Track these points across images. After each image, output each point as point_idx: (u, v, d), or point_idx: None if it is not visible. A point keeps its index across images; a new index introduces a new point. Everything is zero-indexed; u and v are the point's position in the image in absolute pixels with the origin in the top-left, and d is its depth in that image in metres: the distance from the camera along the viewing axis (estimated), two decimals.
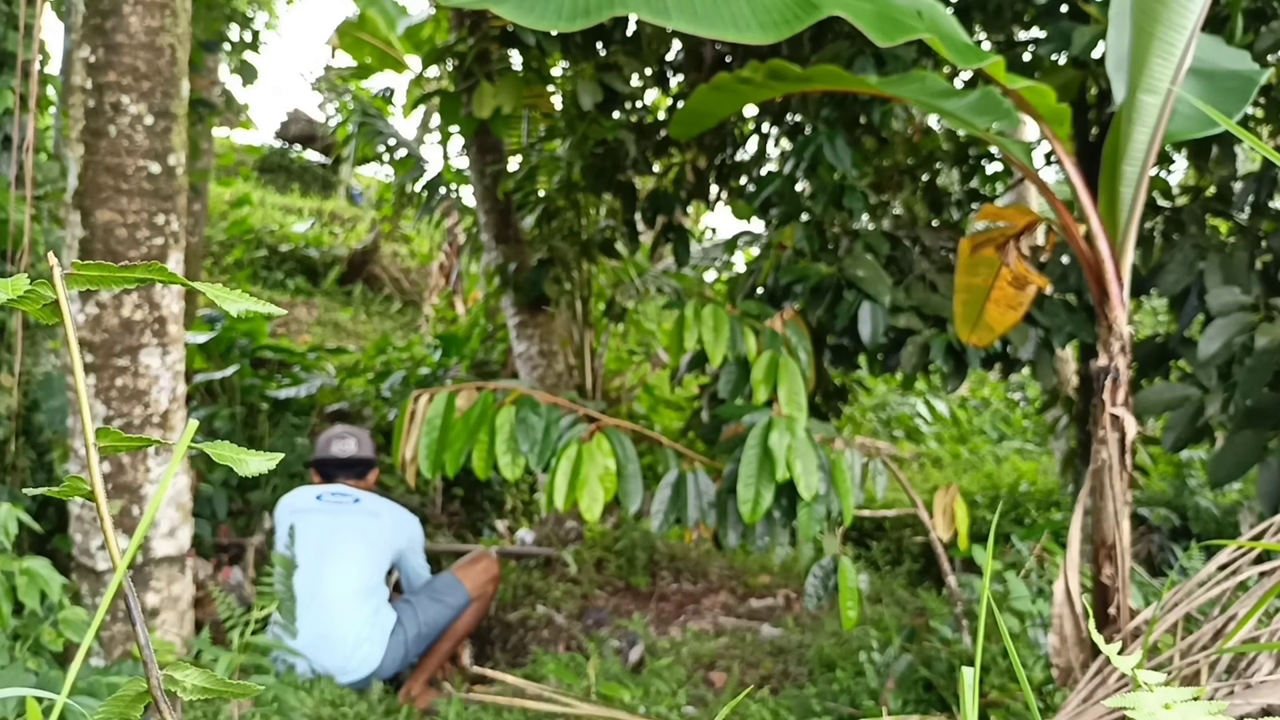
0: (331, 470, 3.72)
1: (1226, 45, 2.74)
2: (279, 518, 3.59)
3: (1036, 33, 4.08)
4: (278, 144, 14.86)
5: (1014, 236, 2.64)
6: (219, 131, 12.43)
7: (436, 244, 9.28)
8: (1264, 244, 3.38)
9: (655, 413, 6.87)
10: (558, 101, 5.32)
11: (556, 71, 5.29)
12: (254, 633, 2.91)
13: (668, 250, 5.89)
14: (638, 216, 4.77)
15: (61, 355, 4.09)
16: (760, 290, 3.98)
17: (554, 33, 4.20)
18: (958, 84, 3.89)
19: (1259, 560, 1.58)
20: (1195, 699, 0.70)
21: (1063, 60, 3.71)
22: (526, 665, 3.83)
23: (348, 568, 3.44)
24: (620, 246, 5.25)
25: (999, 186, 5.04)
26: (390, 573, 3.80)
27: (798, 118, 4.33)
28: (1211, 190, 3.79)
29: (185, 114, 3.11)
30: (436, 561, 4.40)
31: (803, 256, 3.78)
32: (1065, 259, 3.55)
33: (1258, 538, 1.65)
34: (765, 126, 4.60)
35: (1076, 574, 2.29)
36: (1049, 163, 4.59)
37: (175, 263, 3.09)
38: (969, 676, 0.84)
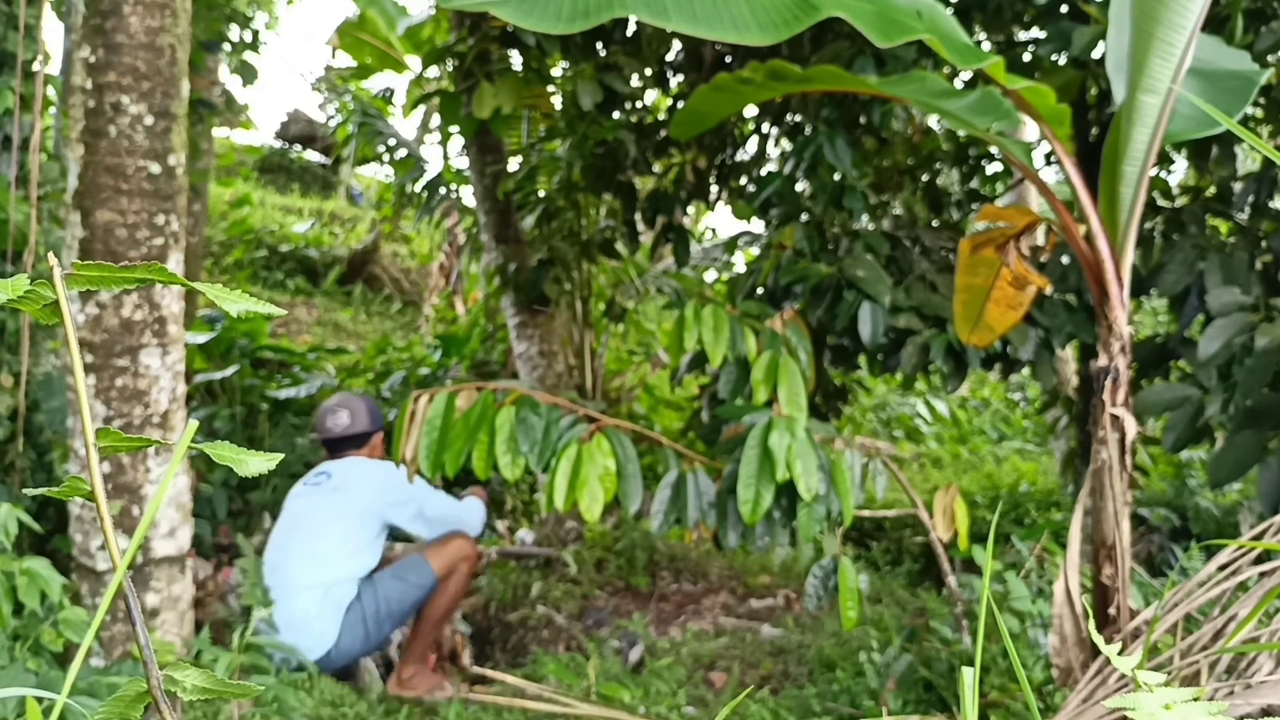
0: (331, 445, 3.72)
1: (1226, 45, 2.74)
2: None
3: (1036, 33, 4.08)
4: (278, 144, 14.85)
5: (1014, 236, 2.64)
6: (219, 131, 12.43)
7: (436, 244, 9.28)
8: (1264, 244, 3.38)
9: (655, 413, 6.87)
10: (558, 101, 5.32)
11: (556, 71, 5.29)
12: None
13: (668, 250, 5.90)
14: (638, 216, 4.77)
15: (61, 355, 4.09)
16: (760, 290, 3.98)
17: (554, 34, 4.21)
18: (958, 84, 3.89)
19: (1259, 560, 1.58)
20: (1195, 699, 0.70)
21: (1063, 60, 3.71)
22: (526, 665, 3.83)
23: (306, 548, 3.48)
24: (620, 246, 5.25)
25: (999, 186, 5.04)
26: (386, 550, 3.76)
27: (798, 118, 4.33)
28: (1211, 190, 3.79)
29: (185, 114, 3.11)
30: None
31: (803, 256, 3.77)
32: (1065, 259, 3.55)
33: (1258, 538, 1.65)
34: (765, 126, 4.60)
35: (1076, 574, 2.29)
36: (1049, 163, 4.59)
37: (175, 263, 3.09)
38: (969, 676, 0.84)
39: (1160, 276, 3.37)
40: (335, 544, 3.51)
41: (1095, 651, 2.19)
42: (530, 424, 2.84)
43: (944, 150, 4.65)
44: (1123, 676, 1.47)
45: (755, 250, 5.01)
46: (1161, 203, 3.83)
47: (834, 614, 3.96)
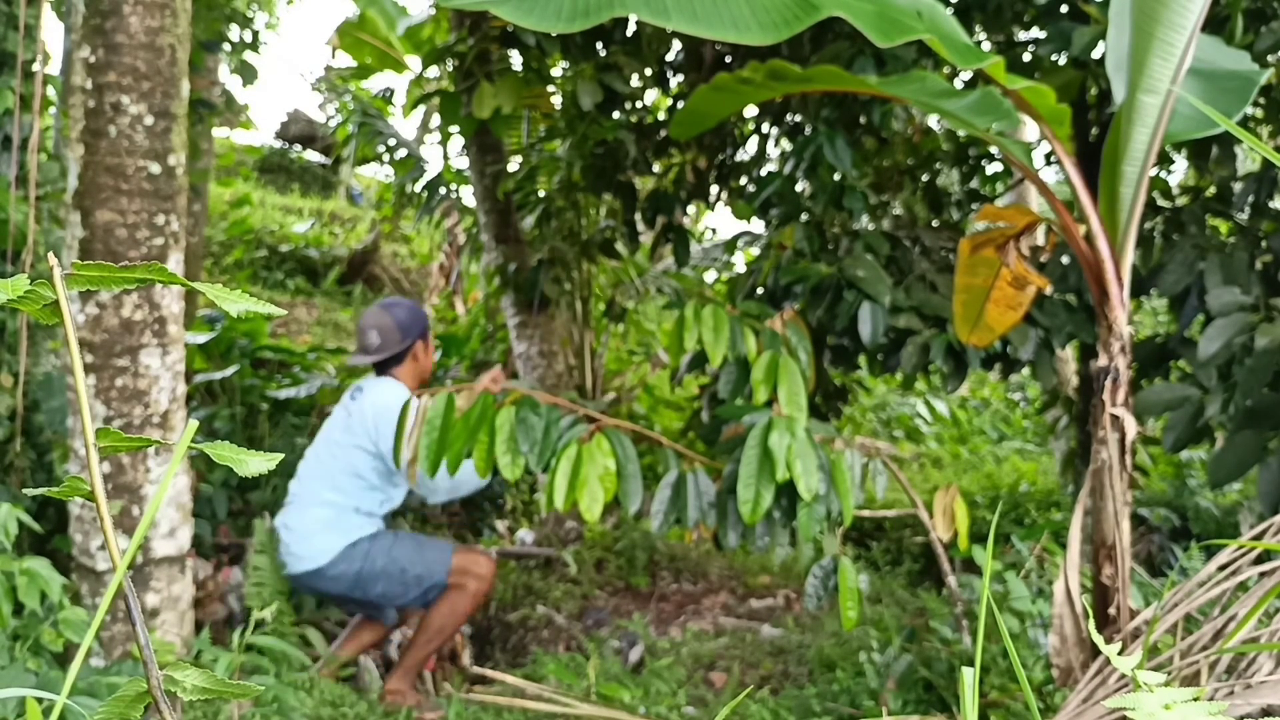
0: (375, 366, 3.75)
1: (1226, 45, 2.74)
2: None
3: (1036, 33, 4.08)
4: (278, 144, 14.84)
5: (1014, 236, 2.64)
6: (219, 131, 12.42)
7: (436, 244, 9.27)
8: (1264, 244, 3.38)
9: (655, 413, 6.87)
10: (558, 101, 5.32)
11: (556, 71, 5.29)
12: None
13: (668, 250, 5.90)
14: (638, 216, 4.76)
15: (61, 355, 4.09)
16: (760, 290, 3.98)
17: (554, 33, 4.21)
18: (958, 84, 3.89)
19: (1259, 560, 1.58)
20: (1195, 699, 0.70)
21: (1063, 60, 3.71)
22: (526, 665, 3.83)
23: (325, 467, 3.60)
24: (620, 246, 5.25)
25: (999, 186, 5.04)
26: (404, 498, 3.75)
27: (798, 118, 4.33)
28: (1211, 190, 3.79)
29: (185, 114, 3.11)
30: None
31: (803, 256, 3.77)
32: (1065, 259, 3.55)
33: (1258, 538, 1.65)
34: (765, 126, 4.60)
35: (1076, 574, 2.29)
36: (1049, 163, 4.59)
37: (175, 263, 3.09)
38: (969, 676, 0.84)
39: (1160, 276, 3.37)
40: (350, 474, 3.55)
41: (1095, 651, 2.19)
42: (530, 424, 2.84)
43: (944, 150, 4.64)
44: (1123, 676, 1.47)
45: (755, 250, 5.00)
46: (1161, 203, 3.83)
47: (834, 614, 3.96)
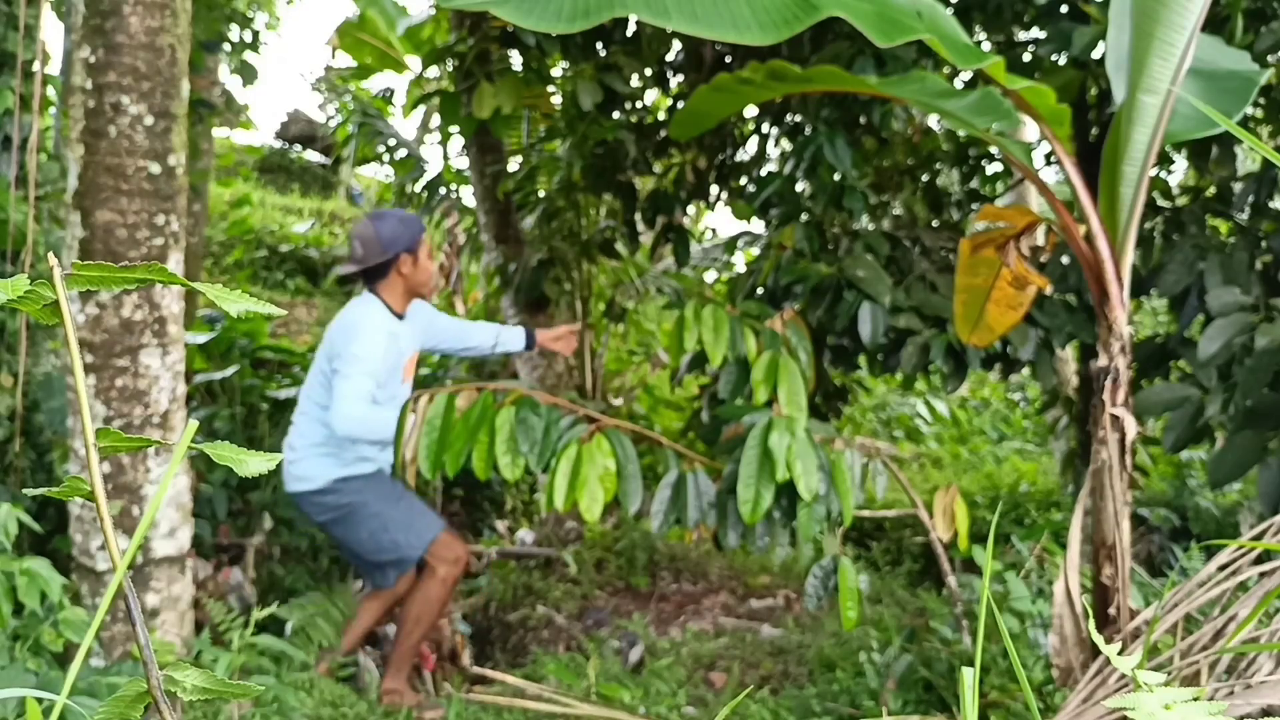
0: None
1: (1226, 45, 2.74)
2: None
3: (1036, 33, 4.08)
4: (278, 144, 14.84)
5: (1014, 237, 2.64)
6: (219, 131, 12.42)
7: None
8: (1264, 244, 3.38)
9: (655, 413, 6.87)
10: (558, 101, 5.32)
11: (556, 72, 5.29)
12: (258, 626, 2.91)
13: (668, 250, 5.90)
14: (638, 216, 4.77)
15: (61, 355, 4.09)
16: (760, 290, 3.98)
17: (554, 33, 4.21)
18: (958, 84, 3.89)
19: (1259, 560, 1.58)
20: (1195, 699, 0.70)
21: (1063, 60, 3.71)
22: (526, 665, 3.83)
23: (307, 387, 3.66)
24: (620, 246, 5.25)
25: (999, 186, 5.04)
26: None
27: (798, 118, 4.33)
28: (1211, 190, 3.79)
29: (185, 114, 3.11)
30: None
31: (803, 256, 3.77)
32: (1065, 259, 3.55)
33: (1258, 538, 1.65)
34: (765, 126, 4.60)
35: (1076, 574, 2.29)
36: (1049, 163, 4.59)
37: (175, 263, 3.09)
38: (969, 676, 0.84)
39: (1160, 276, 3.37)
40: (328, 389, 3.52)
41: (1095, 651, 2.19)
42: (530, 424, 2.84)
43: (944, 150, 4.64)
44: (1123, 676, 1.47)
45: (755, 250, 5.00)
46: (1161, 203, 3.83)
47: (834, 614, 3.96)
